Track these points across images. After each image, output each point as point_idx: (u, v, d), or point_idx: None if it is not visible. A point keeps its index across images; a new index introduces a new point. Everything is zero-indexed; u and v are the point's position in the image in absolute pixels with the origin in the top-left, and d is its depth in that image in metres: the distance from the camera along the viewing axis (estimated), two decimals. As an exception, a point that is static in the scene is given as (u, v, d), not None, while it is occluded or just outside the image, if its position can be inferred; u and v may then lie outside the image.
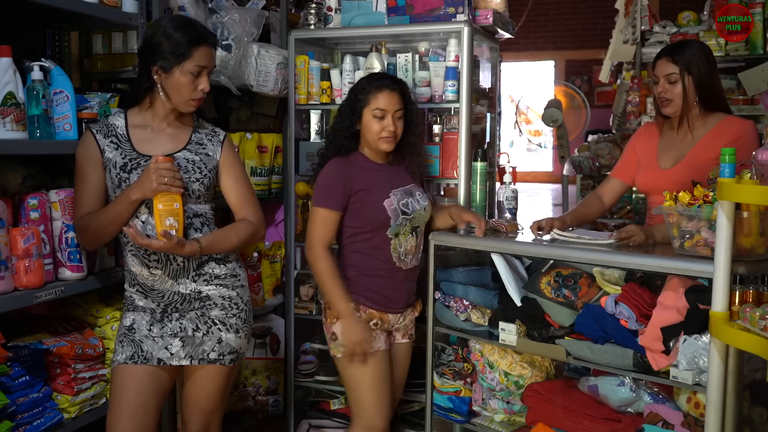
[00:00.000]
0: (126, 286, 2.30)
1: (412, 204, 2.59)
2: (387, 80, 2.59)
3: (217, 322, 2.28)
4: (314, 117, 3.59)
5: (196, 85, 2.21)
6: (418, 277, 2.73)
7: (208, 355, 2.27)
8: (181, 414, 2.42)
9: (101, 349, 2.52)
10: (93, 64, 2.94)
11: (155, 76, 2.20)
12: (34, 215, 2.25)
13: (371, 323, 2.57)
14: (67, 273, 2.34)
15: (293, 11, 3.70)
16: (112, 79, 3.03)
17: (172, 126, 2.29)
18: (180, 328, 2.25)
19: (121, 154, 2.21)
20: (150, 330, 2.25)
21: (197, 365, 2.28)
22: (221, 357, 2.28)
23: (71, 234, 2.33)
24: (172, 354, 2.25)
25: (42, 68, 2.30)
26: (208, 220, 2.28)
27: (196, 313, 2.26)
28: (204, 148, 2.31)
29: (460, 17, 2.96)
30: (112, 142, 2.22)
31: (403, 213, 2.56)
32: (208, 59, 2.22)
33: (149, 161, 2.15)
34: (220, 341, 2.28)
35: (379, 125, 2.52)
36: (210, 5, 3.12)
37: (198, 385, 2.33)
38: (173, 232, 2.10)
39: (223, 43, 3.03)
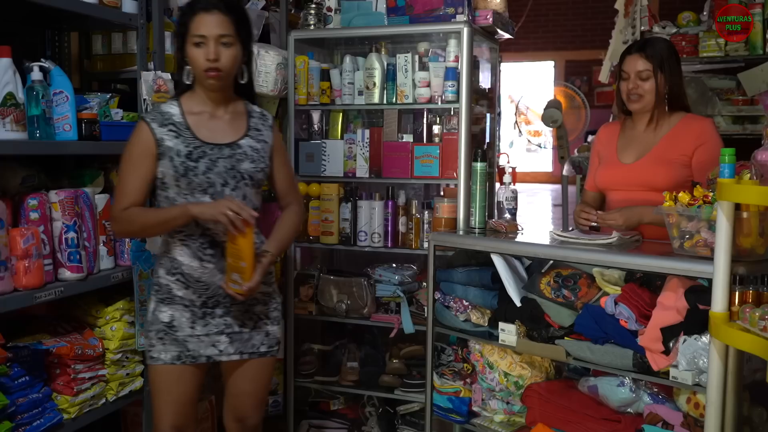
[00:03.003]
0: (162, 273, 2.23)
1: None
2: None
3: (263, 317, 2.31)
4: (314, 117, 3.58)
5: (204, 55, 2.13)
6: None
7: (258, 348, 2.30)
8: (231, 413, 2.40)
9: (101, 349, 2.52)
10: (93, 64, 2.94)
11: (186, 58, 2.19)
12: (33, 216, 2.25)
13: None
14: (66, 273, 2.34)
15: (293, 12, 3.70)
16: (112, 79, 3.03)
17: (228, 112, 2.27)
18: (225, 324, 2.24)
19: (183, 143, 2.17)
20: (193, 328, 2.22)
21: (242, 360, 2.29)
22: (271, 349, 2.34)
23: (71, 234, 2.33)
24: (220, 351, 2.25)
25: (42, 69, 2.30)
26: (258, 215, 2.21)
27: (239, 309, 2.25)
28: (261, 134, 2.30)
29: (460, 18, 2.97)
30: (170, 130, 2.17)
31: None
32: (206, 27, 2.11)
33: (214, 149, 2.18)
34: (267, 334, 2.32)
35: None
36: (210, 6, 3.12)
37: (253, 380, 2.34)
38: (237, 287, 2.12)
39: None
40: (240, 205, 2.08)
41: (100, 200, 2.55)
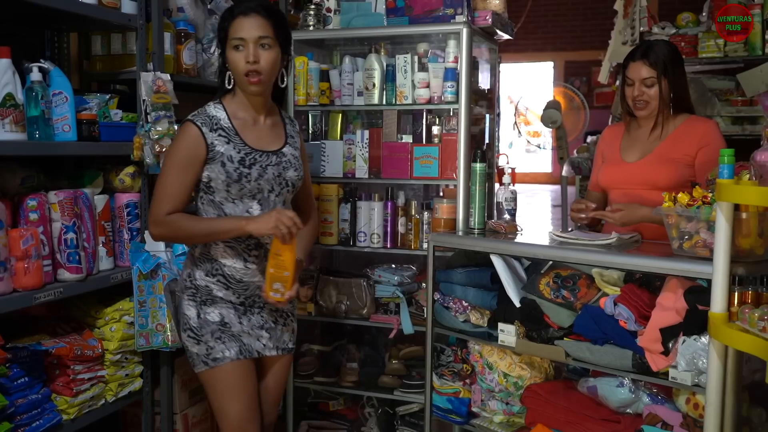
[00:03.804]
0: (200, 275, 2.20)
1: None
2: None
3: (289, 314, 2.37)
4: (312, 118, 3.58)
5: (244, 58, 2.12)
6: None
7: (287, 344, 2.36)
8: None
9: (100, 350, 2.52)
10: (92, 65, 2.93)
11: (227, 63, 2.18)
12: (33, 216, 2.25)
13: None
14: (65, 274, 2.34)
15: (292, 12, 3.70)
16: (112, 80, 3.03)
17: (269, 118, 2.27)
18: (263, 319, 2.28)
19: (234, 149, 2.14)
20: (241, 324, 2.23)
21: (273, 357, 2.33)
22: (294, 345, 2.40)
23: (70, 235, 2.34)
24: (264, 345, 2.28)
25: (41, 69, 2.30)
26: None
27: (270, 306, 2.28)
28: (296, 142, 2.33)
29: (459, 18, 2.97)
30: (220, 135, 2.14)
31: None
32: (245, 30, 2.11)
33: (263, 156, 2.18)
34: (293, 331, 2.39)
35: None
36: (209, 6, 3.12)
37: (277, 376, 2.39)
38: (278, 295, 2.12)
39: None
40: (292, 217, 2.09)
41: (100, 201, 2.55)
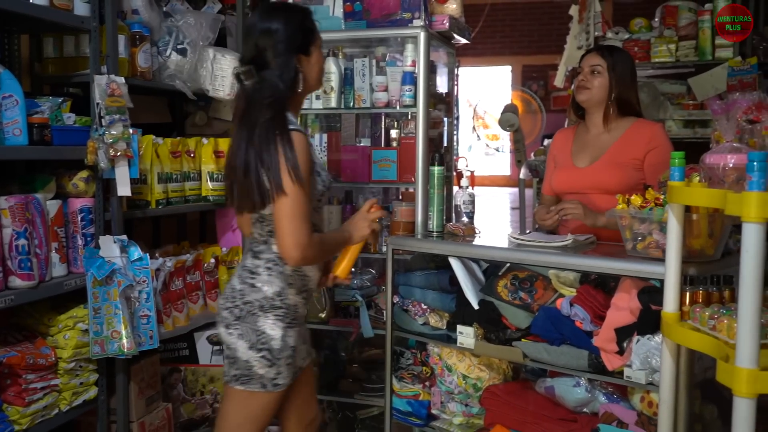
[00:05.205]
0: (293, 293, 2.10)
1: None
2: None
3: None
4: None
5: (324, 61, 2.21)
6: None
7: (312, 348, 2.31)
8: (299, 423, 2.32)
9: (53, 358, 2.47)
10: (44, 67, 2.87)
11: (297, 65, 2.06)
12: (-18, 222, 2.19)
13: None
14: (17, 281, 2.29)
15: (250, 15, 3.67)
16: (64, 83, 2.97)
17: None
18: (306, 330, 2.22)
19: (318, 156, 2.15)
20: (300, 344, 2.16)
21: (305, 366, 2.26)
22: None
23: (22, 241, 2.29)
24: (303, 358, 2.21)
25: (-10, 72, 2.25)
26: None
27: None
28: None
29: (417, 23, 2.98)
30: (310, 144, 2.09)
31: None
32: None
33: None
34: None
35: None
36: (165, 9, 3.09)
37: (310, 381, 2.32)
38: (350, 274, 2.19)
39: (178, 47, 3.00)
40: (378, 207, 2.17)
41: (52, 206, 2.50)
